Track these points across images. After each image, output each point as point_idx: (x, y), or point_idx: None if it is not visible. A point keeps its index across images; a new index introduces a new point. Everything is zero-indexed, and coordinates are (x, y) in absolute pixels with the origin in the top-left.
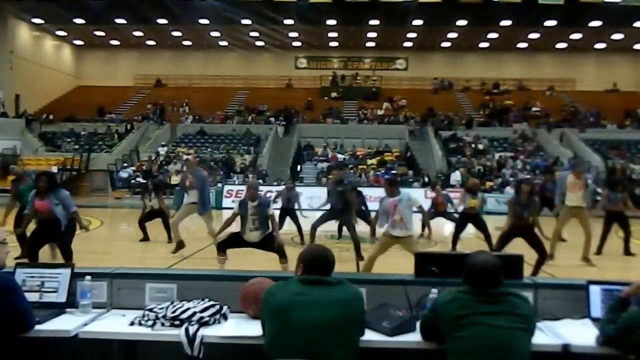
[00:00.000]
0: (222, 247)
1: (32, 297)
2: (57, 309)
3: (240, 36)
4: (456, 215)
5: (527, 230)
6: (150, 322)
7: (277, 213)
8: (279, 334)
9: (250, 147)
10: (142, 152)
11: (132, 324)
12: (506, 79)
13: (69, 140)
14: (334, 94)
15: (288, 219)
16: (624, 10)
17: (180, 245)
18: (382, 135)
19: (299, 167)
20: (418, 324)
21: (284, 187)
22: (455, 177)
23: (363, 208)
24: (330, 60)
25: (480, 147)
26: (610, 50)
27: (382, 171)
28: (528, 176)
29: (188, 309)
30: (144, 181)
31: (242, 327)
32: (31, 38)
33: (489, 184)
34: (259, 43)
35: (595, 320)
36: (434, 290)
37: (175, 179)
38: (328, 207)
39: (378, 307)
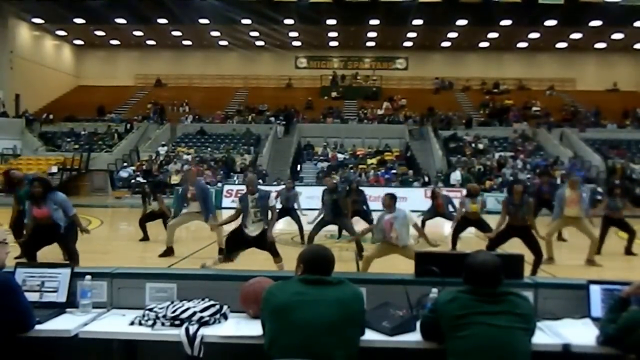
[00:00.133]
0: (228, 252)
1: (32, 296)
2: (57, 309)
3: (240, 36)
4: (455, 214)
5: (523, 230)
6: (150, 322)
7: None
8: (279, 333)
9: (250, 147)
10: (142, 151)
11: (132, 323)
12: (506, 79)
13: (69, 140)
14: (334, 94)
15: (288, 219)
16: (624, 10)
17: (170, 251)
18: (382, 135)
19: (299, 166)
20: (418, 324)
21: (283, 187)
22: (455, 176)
23: (365, 208)
24: (330, 59)
25: (480, 146)
26: (610, 50)
27: (382, 171)
28: (528, 175)
29: (188, 308)
30: (144, 181)
31: (242, 327)
32: (31, 38)
33: (489, 183)
34: (259, 43)
35: (595, 320)
36: (434, 290)
37: (175, 179)
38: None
39: (378, 306)
